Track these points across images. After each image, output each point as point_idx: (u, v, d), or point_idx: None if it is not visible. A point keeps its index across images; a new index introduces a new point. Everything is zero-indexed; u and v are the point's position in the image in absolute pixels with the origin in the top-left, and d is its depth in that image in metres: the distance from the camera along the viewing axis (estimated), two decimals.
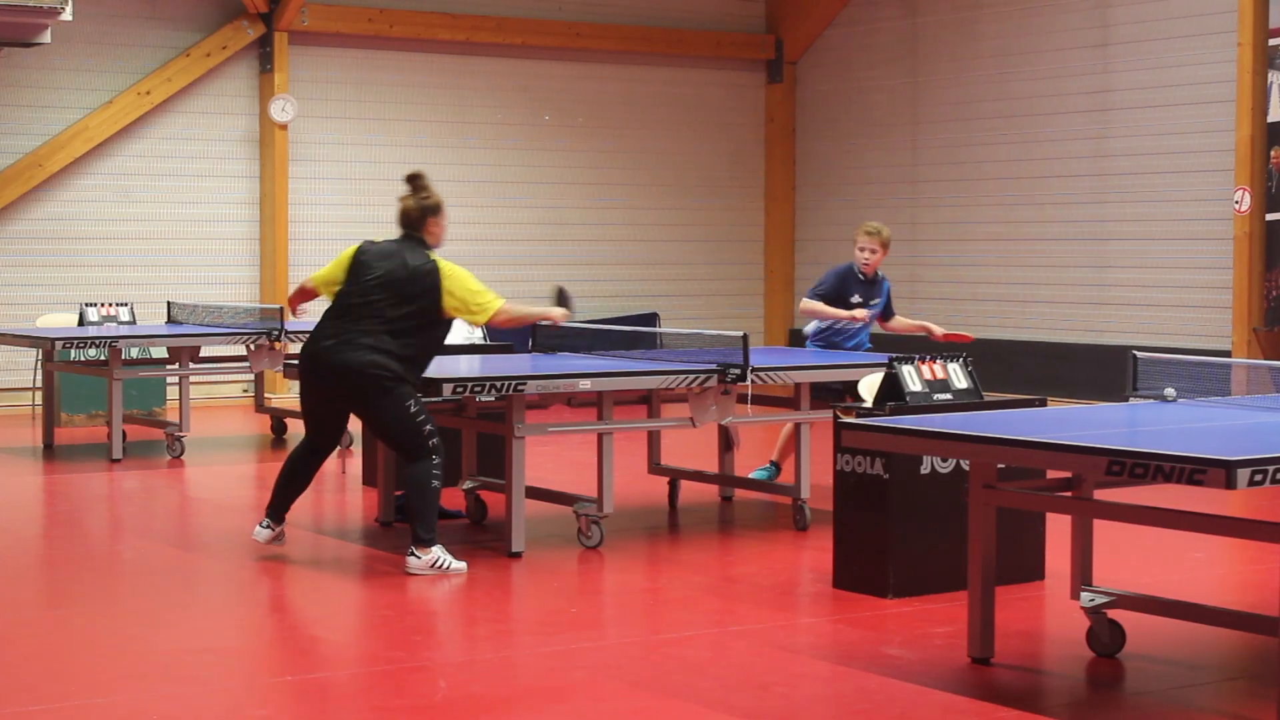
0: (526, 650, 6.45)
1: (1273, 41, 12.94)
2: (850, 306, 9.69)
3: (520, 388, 7.86)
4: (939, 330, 9.93)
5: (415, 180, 7.94)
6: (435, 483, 7.66)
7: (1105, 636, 6.22)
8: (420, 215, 7.85)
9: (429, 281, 7.65)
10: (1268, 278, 13.08)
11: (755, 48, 17.55)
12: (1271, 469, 4.97)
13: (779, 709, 5.61)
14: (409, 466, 7.71)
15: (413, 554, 7.64)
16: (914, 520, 7.18)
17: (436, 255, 7.79)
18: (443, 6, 16.04)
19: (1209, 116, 13.73)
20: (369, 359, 7.58)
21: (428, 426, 7.67)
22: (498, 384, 7.82)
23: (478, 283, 7.79)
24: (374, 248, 7.86)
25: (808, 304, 9.76)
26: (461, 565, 7.70)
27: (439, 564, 7.62)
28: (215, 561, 8.01)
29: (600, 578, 7.81)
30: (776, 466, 9.87)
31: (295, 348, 12.31)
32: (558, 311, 8.22)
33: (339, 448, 11.97)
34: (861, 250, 9.71)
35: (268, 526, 7.94)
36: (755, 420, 9.15)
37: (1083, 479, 6.11)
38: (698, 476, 9.64)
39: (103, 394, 12.27)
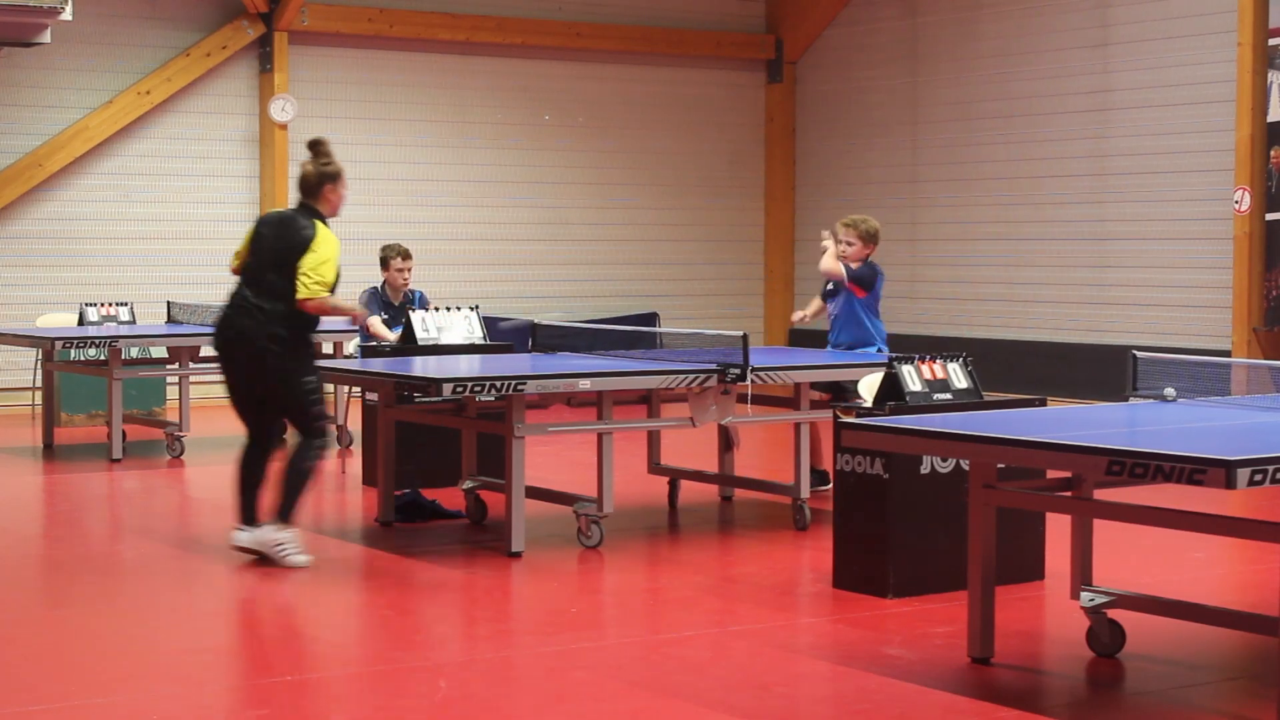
0: (526, 650, 6.45)
1: (1273, 41, 12.94)
2: (826, 295, 9.88)
3: (520, 388, 7.85)
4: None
5: (317, 146, 8.00)
6: (308, 464, 7.75)
7: (1105, 636, 6.22)
8: (318, 181, 7.87)
9: (303, 244, 7.68)
10: (1268, 278, 13.08)
11: (755, 48, 17.55)
12: (1271, 469, 4.97)
13: (779, 709, 5.61)
14: (298, 443, 7.80)
15: (272, 526, 7.76)
16: (914, 520, 7.18)
17: (321, 224, 7.79)
18: (443, 6, 16.04)
19: (1208, 116, 13.73)
20: (260, 325, 7.70)
21: (317, 407, 7.78)
22: (498, 384, 7.82)
23: (333, 265, 7.70)
24: (269, 217, 8.02)
25: None
26: (304, 560, 7.74)
27: (282, 548, 7.71)
28: (215, 562, 8.01)
29: (600, 578, 7.81)
30: (823, 474, 9.61)
31: None
32: (360, 311, 8.21)
33: (338, 447, 11.98)
34: (839, 243, 9.73)
35: (241, 530, 8.00)
36: (755, 420, 9.15)
37: (1083, 479, 6.11)
38: (698, 476, 9.64)
39: (103, 394, 12.27)
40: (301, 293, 7.63)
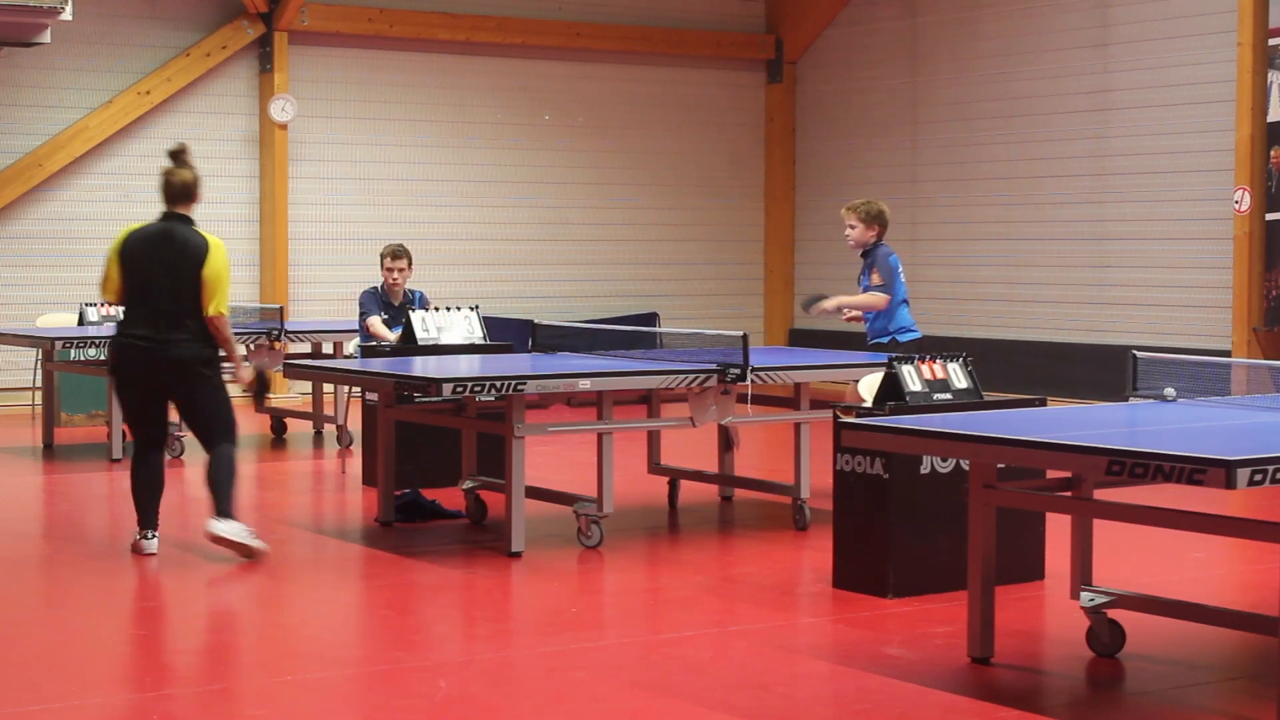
0: (526, 650, 6.45)
1: (1273, 41, 12.94)
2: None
3: (520, 388, 7.85)
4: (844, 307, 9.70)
5: (183, 154, 8.08)
6: (227, 460, 7.88)
7: (1105, 636, 6.22)
8: (195, 185, 8.11)
9: (201, 256, 7.81)
10: (1268, 278, 13.08)
11: (755, 48, 17.56)
12: (1271, 469, 4.97)
13: (779, 709, 5.61)
14: (215, 449, 7.88)
15: (217, 520, 7.81)
16: (914, 520, 7.18)
17: (207, 231, 7.95)
18: (443, 6, 16.04)
19: (1208, 116, 13.73)
20: (189, 353, 7.81)
21: (228, 410, 7.96)
22: (498, 384, 7.82)
23: (228, 278, 7.88)
24: (140, 236, 8.04)
25: None
26: (260, 545, 7.85)
27: (241, 533, 7.80)
28: (215, 561, 8.00)
29: (600, 578, 7.81)
30: None
31: (296, 347, 12.33)
32: (240, 359, 8.28)
33: (339, 447, 11.98)
34: (847, 227, 9.67)
35: (153, 537, 8.06)
36: (755, 420, 9.14)
37: (1083, 479, 6.11)
38: (698, 476, 9.64)
39: (102, 394, 12.27)
40: (216, 310, 7.76)
